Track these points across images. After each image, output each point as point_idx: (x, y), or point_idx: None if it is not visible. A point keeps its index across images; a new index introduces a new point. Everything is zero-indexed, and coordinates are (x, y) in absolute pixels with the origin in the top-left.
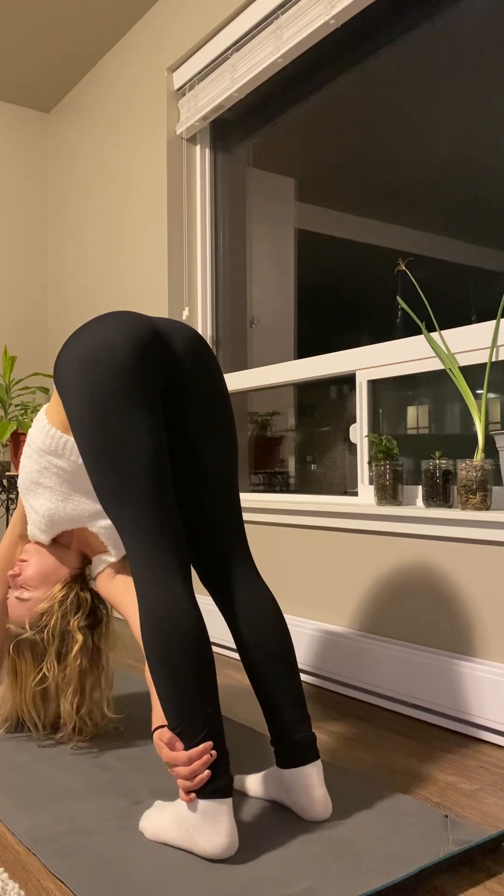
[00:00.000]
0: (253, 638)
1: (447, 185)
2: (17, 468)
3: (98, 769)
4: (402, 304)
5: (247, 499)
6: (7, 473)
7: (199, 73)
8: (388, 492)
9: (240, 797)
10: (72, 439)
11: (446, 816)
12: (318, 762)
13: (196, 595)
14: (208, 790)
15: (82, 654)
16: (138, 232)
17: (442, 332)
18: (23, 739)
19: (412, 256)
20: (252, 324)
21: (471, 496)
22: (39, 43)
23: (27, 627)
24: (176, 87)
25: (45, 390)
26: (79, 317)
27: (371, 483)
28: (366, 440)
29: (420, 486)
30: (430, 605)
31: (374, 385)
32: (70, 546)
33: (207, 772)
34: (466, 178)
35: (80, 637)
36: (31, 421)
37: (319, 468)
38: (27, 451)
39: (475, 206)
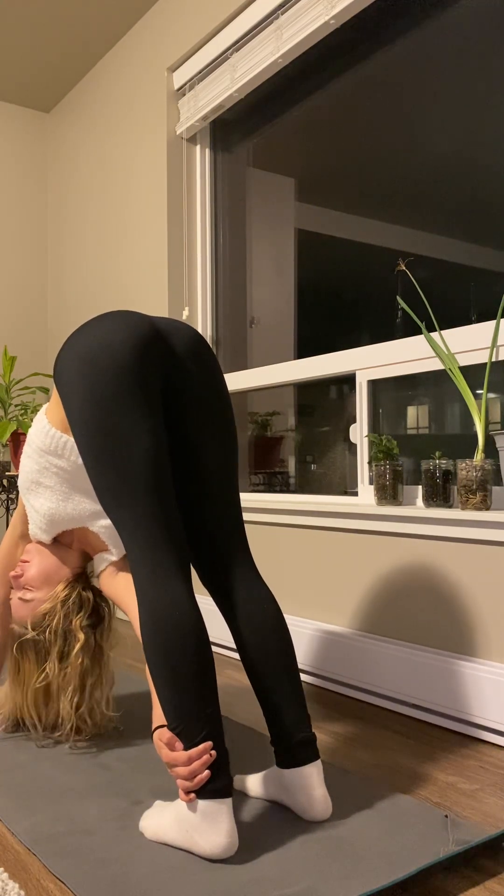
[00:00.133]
0: (253, 638)
1: (447, 185)
2: (17, 468)
3: (98, 769)
4: (402, 304)
5: (247, 499)
6: (7, 473)
7: (199, 73)
8: (388, 492)
9: (240, 797)
10: (71, 439)
11: (446, 816)
12: (318, 762)
13: (196, 595)
14: (208, 790)
15: (84, 652)
16: (138, 232)
17: (442, 332)
18: (23, 739)
19: (412, 256)
20: (252, 324)
21: (471, 496)
22: (39, 43)
23: (30, 628)
24: (176, 87)
25: (45, 390)
26: (79, 317)
27: (371, 483)
28: (366, 440)
29: (420, 486)
30: (431, 605)
31: (374, 385)
32: (71, 545)
33: (207, 772)
34: (466, 178)
35: (82, 636)
36: (32, 421)
37: (319, 468)
38: (27, 450)
39: (475, 206)
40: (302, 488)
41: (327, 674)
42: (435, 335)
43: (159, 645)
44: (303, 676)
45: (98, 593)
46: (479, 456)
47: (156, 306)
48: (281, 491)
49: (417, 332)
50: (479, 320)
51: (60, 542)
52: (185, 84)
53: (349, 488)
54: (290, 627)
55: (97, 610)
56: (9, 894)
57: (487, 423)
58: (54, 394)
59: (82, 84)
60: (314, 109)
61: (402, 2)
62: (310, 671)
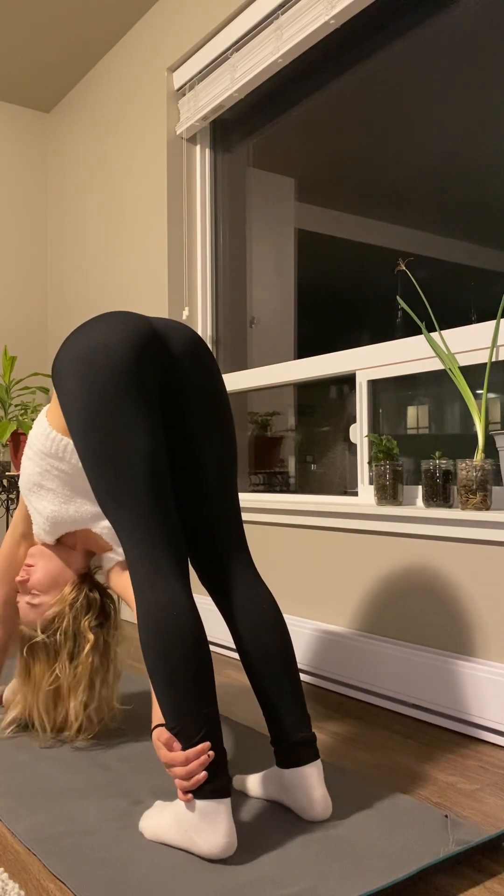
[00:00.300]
0: (252, 638)
1: (447, 185)
2: (17, 468)
3: (98, 769)
4: (402, 304)
5: (247, 499)
6: (7, 473)
7: (199, 73)
8: (388, 492)
9: (240, 797)
10: (72, 442)
11: (446, 816)
12: (318, 762)
13: (195, 595)
14: (206, 790)
15: (94, 652)
16: (138, 232)
17: (442, 332)
18: (23, 739)
19: (412, 256)
20: (252, 324)
21: (471, 496)
22: (39, 43)
23: (39, 631)
24: (176, 87)
25: (45, 390)
26: (79, 317)
27: (371, 483)
28: (366, 440)
29: (420, 486)
30: (430, 605)
31: (374, 385)
32: (75, 546)
33: (204, 773)
34: (466, 178)
35: (91, 637)
36: (31, 421)
37: (319, 468)
38: (28, 452)
39: (475, 206)
40: (302, 488)
41: (327, 674)
42: (435, 335)
43: (158, 645)
44: (303, 676)
45: (103, 591)
46: (479, 456)
47: (156, 306)
48: (281, 491)
49: (417, 332)
50: (479, 320)
51: (64, 544)
52: (185, 84)
53: (349, 488)
54: (290, 627)
55: (103, 608)
56: (9, 894)
57: (487, 423)
58: (54, 395)
59: (82, 84)
60: (314, 109)
61: (402, 2)
62: (310, 671)
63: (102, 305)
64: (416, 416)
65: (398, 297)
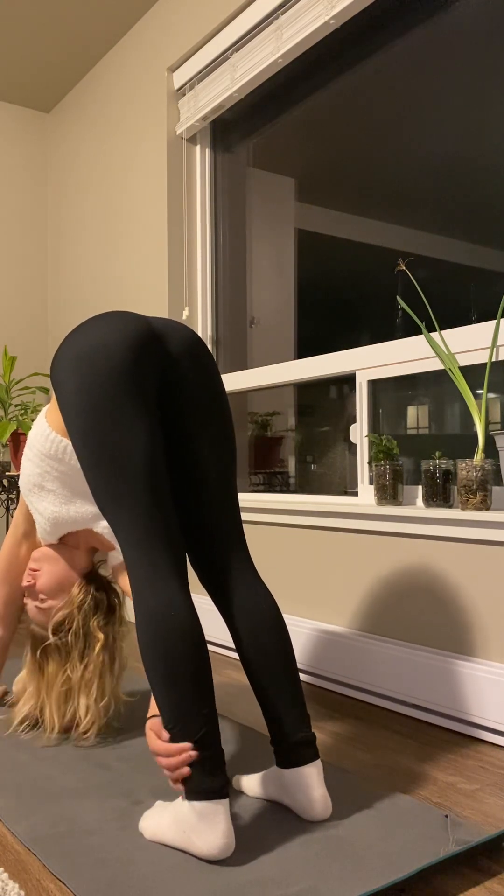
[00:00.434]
0: (252, 638)
1: (447, 185)
2: (17, 468)
3: (98, 769)
4: (402, 304)
5: (247, 499)
6: (7, 473)
7: (199, 73)
8: (388, 492)
9: (240, 797)
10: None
11: (446, 816)
12: (318, 762)
13: (195, 595)
14: (204, 791)
15: (104, 651)
16: (138, 232)
17: (442, 332)
18: (23, 739)
19: (412, 256)
20: (252, 324)
21: (471, 496)
22: (39, 43)
23: (50, 633)
24: (176, 87)
25: (45, 390)
26: (79, 317)
27: (371, 483)
28: (366, 440)
29: (420, 486)
30: (430, 605)
31: (374, 385)
32: (78, 545)
33: (187, 769)
34: (466, 178)
35: (101, 636)
36: (31, 421)
37: (319, 468)
38: (28, 453)
39: (475, 206)
40: (302, 488)
41: (327, 674)
42: (435, 335)
43: (157, 645)
44: (302, 676)
45: (108, 588)
46: (479, 456)
47: (156, 306)
48: (281, 491)
49: (417, 332)
50: (479, 320)
51: (67, 544)
52: (185, 84)
53: (349, 488)
54: (289, 627)
55: (109, 605)
56: (9, 894)
57: (487, 423)
58: (54, 396)
59: (82, 84)
60: (314, 109)
61: (402, 2)
62: (309, 671)
63: (102, 305)
64: (416, 416)
65: (398, 297)
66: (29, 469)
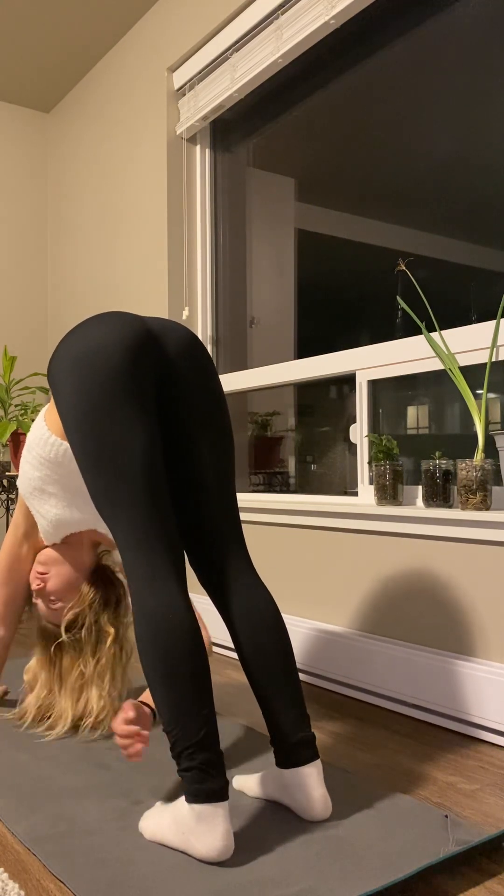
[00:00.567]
0: (251, 638)
1: (447, 185)
2: (17, 468)
3: (98, 769)
4: (402, 304)
5: (247, 499)
6: (7, 473)
7: (199, 73)
8: (388, 492)
9: (239, 797)
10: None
11: (446, 816)
12: (318, 762)
13: (194, 595)
14: (204, 794)
15: (115, 644)
16: (138, 232)
17: (442, 332)
18: (23, 739)
19: (412, 256)
20: (252, 324)
21: (471, 496)
22: (39, 43)
23: (63, 631)
24: (176, 87)
25: (45, 390)
26: (78, 317)
27: (371, 483)
28: (366, 440)
29: (420, 486)
30: (430, 605)
31: (374, 385)
32: (82, 544)
33: (138, 746)
34: (466, 178)
35: (111, 630)
36: (31, 421)
37: (319, 468)
38: (27, 456)
39: (475, 206)
40: (302, 488)
41: (326, 674)
42: (435, 335)
43: (156, 646)
44: (302, 676)
45: (115, 580)
46: (479, 456)
47: (156, 306)
48: (281, 491)
49: (417, 332)
50: (479, 320)
51: (71, 543)
52: (185, 84)
53: (349, 488)
54: (289, 627)
55: (116, 597)
56: (9, 894)
57: (487, 423)
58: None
59: (82, 84)
60: (314, 109)
61: (402, 2)
62: (309, 671)
63: (102, 305)
64: (416, 416)
65: (398, 297)
66: (29, 472)
